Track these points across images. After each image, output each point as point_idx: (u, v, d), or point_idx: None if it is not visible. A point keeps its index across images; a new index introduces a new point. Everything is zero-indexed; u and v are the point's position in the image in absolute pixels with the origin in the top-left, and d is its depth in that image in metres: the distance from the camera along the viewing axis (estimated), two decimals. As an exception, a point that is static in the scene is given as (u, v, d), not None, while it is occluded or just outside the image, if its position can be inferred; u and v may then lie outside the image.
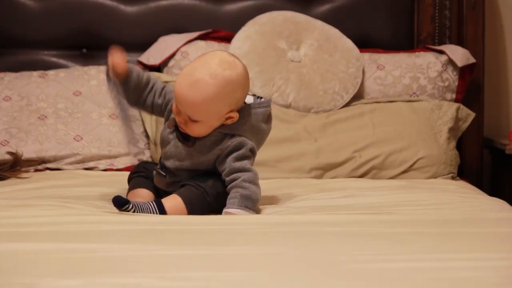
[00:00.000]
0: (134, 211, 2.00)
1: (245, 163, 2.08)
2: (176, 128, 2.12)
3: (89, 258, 1.57)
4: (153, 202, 2.04)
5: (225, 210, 2.03)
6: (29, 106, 2.81)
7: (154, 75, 2.85)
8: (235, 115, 2.08)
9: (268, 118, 2.16)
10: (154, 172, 2.20)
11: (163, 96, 2.17)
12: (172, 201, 2.05)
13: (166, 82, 2.82)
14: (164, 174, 2.15)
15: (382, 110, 2.86)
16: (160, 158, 2.20)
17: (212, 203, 2.07)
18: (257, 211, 2.08)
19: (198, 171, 2.11)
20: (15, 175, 2.59)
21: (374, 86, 2.96)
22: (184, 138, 2.11)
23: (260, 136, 2.16)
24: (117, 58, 2.10)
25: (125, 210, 2.00)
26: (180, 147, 2.11)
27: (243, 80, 2.08)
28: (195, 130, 2.08)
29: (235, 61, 2.08)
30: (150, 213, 2.01)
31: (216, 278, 1.46)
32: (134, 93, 2.15)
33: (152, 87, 2.17)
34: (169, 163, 2.13)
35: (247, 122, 2.11)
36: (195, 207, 2.04)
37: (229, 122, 2.09)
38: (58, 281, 1.43)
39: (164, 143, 2.15)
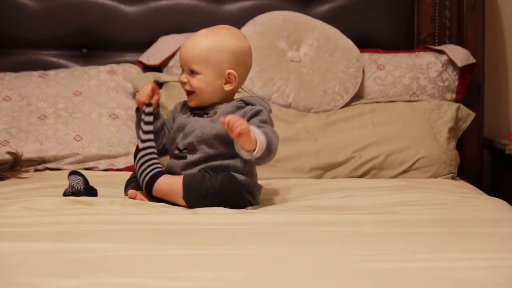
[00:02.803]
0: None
1: (269, 126, 2.12)
2: (191, 111, 2.19)
3: (89, 258, 1.57)
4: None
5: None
6: (29, 106, 2.81)
7: (155, 75, 2.87)
8: (235, 77, 2.15)
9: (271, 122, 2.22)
10: (170, 158, 2.20)
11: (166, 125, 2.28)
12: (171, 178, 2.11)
13: (166, 82, 2.83)
14: (185, 153, 2.15)
15: (382, 110, 2.86)
16: (173, 149, 2.20)
17: (210, 189, 2.07)
18: (267, 149, 2.06)
19: (222, 141, 2.12)
20: (15, 175, 2.59)
21: (374, 86, 2.96)
22: (203, 112, 2.17)
23: (271, 124, 2.18)
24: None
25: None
26: (201, 120, 2.15)
27: (245, 49, 2.18)
28: (196, 85, 2.15)
29: (242, 35, 2.21)
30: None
31: (216, 278, 1.46)
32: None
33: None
34: (191, 138, 2.14)
35: (265, 104, 2.18)
36: (192, 186, 2.07)
37: (228, 87, 2.16)
38: (58, 281, 1.43)
39: (179, 129, 2.18)
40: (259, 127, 2.09)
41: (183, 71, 2.19)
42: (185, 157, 2.15)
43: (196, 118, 2.17)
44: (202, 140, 2.14)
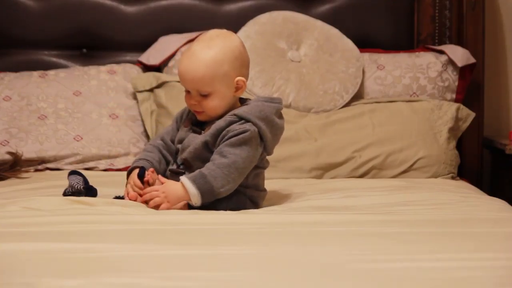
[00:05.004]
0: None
1: (233, 151, 2.05)
2: (192, 125, 2.15)
3: (89, 258, 1.57)
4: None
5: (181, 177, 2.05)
6: (29, 106, 2.81)
7: (155, 75, 2.87)
8: (244, 82, 2.11)
9: (280, 114, 2.17)
10: (168, 172, 2.18)
11: (168, 138, 2.23)
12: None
13: (166, 82, 2.82)
14: (182, 169, 2.13)
15: (382, 110, 2.86)
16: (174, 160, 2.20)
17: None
18: (208, 195, 2.03)
19: (211, 154, 2.09)
20: (15, 175, 2.59)
21: (374, 86, 2.96)
22: (200, 129, 2.13)
23: (274, 130, 2.14)
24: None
25: None
26: (196, 136, 2.12)
27: (241, 48, 2.12)
28: (210, 105, 2.10)
29: (230, 33, 2.14)
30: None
31: (216, 278, 1.46)
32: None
33: (165, 152, 2.22)
34: (186, 154, 2.11)
35: (261, 111, 2.10)
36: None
37: (239, 93, 2.11)
38: (58, 281, 1.43)
39: (179, 141, 2.16)
40: (218, 157, 2.04)
41: (187, 91, 2.12)
42: (183, 173, 2.12)
43: (194, 134, 2.13)
44: (195, 156, 2.10)
